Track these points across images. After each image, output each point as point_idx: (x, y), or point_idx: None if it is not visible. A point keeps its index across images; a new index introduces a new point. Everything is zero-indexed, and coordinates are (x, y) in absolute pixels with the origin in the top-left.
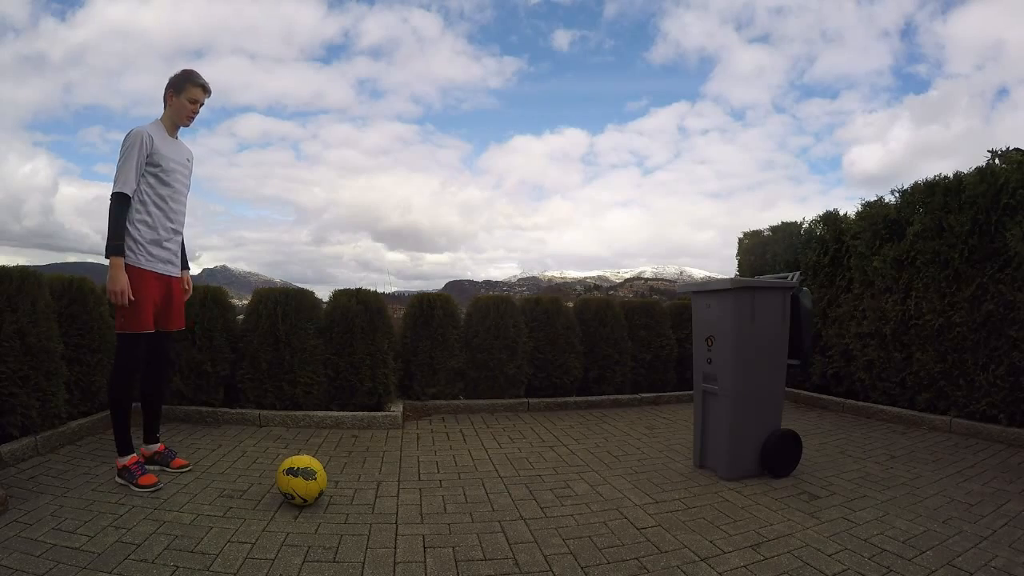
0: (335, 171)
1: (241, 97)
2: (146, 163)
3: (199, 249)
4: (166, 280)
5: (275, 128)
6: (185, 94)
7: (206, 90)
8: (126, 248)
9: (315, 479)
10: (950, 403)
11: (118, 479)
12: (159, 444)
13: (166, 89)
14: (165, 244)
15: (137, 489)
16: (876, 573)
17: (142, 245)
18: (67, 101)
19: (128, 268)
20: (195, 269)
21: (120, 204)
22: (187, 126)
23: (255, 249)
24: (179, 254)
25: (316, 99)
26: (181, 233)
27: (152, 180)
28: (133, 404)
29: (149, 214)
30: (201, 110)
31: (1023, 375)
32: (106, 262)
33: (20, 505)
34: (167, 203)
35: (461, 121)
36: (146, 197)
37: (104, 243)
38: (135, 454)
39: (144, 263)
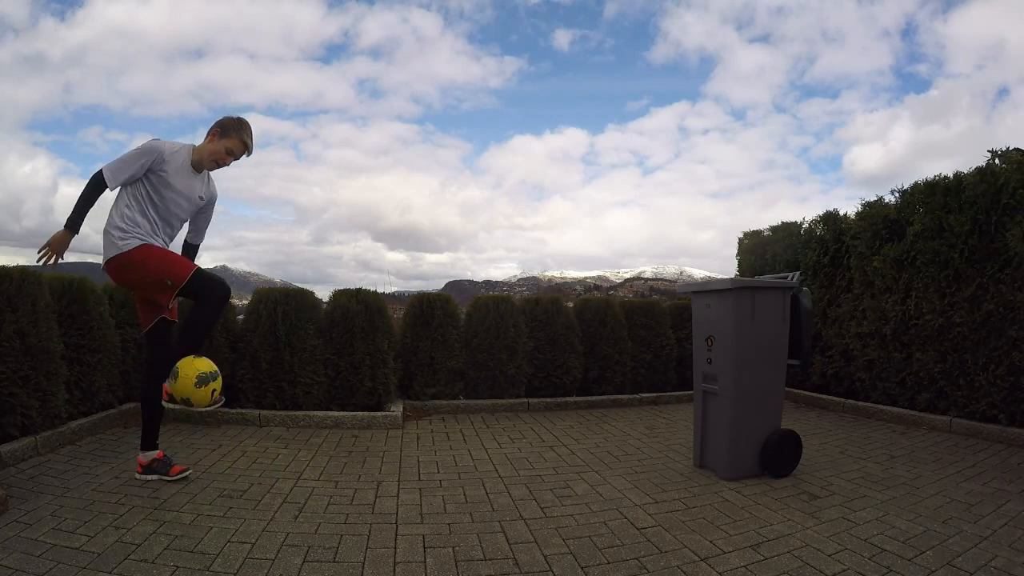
0: (335, 171)
1: (241, 97)
2: (151, 173)
3: (199, 249)
4: None
5: (275, 128)
6: (227, 142)
7: (248, 150)
8: (114, 240)
9: (177, 377)
10: (950, 403)
11: (144, 476)
12: (158, 451)
13: (214, 126)
14: (156, 237)
15: (171, 479)
16: (876, 573)
17: (131, 234)
18: (67, 101)
19: (125, 256)
20: None
21: (96, 187)
22: (210, 170)
23: (255, 249)
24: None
25: (316, 99)
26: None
27: (151, 189)
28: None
29: (141, 223)
30: (202, 110)
31: (1023, 375)
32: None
33: (20, 505)
34: (159, 225)
35: (461, 121)
36: (143, 202)
37: (101, 243)
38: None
39: (139, 241)
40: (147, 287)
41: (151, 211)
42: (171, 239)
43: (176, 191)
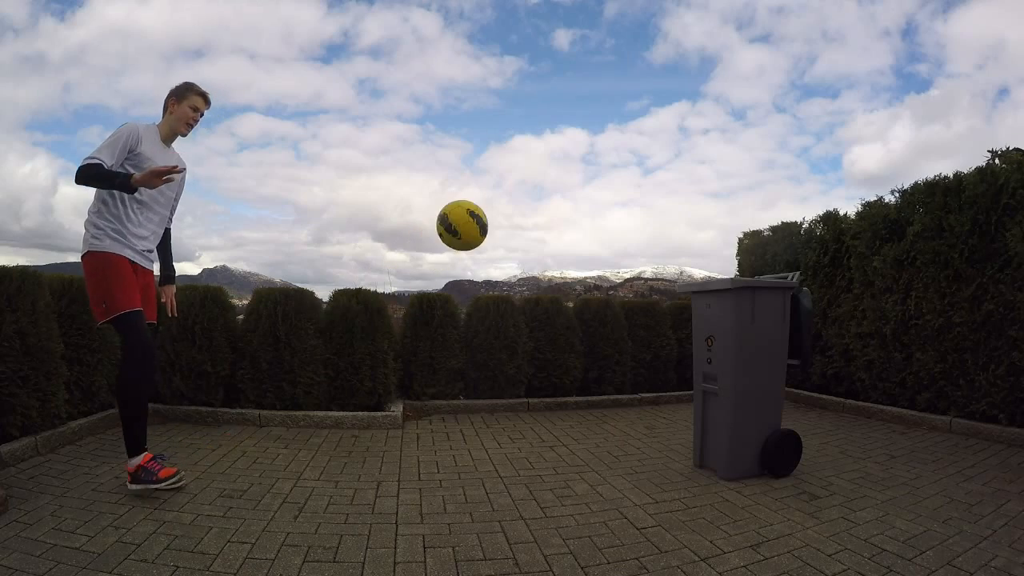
0: (335, 171)
1: (241, 97)
2: (126, 159)
3: (199, 249)
4: (133, 267)
5: (275, 128)
6: (187, 101)
7: (207, 100)
8: (89, 237)
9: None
10: (950, 403)
11: (132, 486)
12: (143, 455)
13: (168, 97)
14: (131, 240)
15: (161, 484)
16: (876, 573)
17: (105, 231)
18: (66, 101)
19: (93, 256)
20: (195, 269)
21: (92, 168)
22: (185, 134)
23: (255, 249)
24: (151, 253)
25: (316, 99)
26: (156, 234)
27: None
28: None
29: (117, 214)
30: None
31: (1023, 375)
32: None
33: (20, 505)
34: (139, 210)
35: (461, 121)
36: (116, 196)
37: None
38: (148, 451)
39: (110, 247)
40: (92, 292)
41: (131, 199)
42: (155, 224)
43: (155, 165)
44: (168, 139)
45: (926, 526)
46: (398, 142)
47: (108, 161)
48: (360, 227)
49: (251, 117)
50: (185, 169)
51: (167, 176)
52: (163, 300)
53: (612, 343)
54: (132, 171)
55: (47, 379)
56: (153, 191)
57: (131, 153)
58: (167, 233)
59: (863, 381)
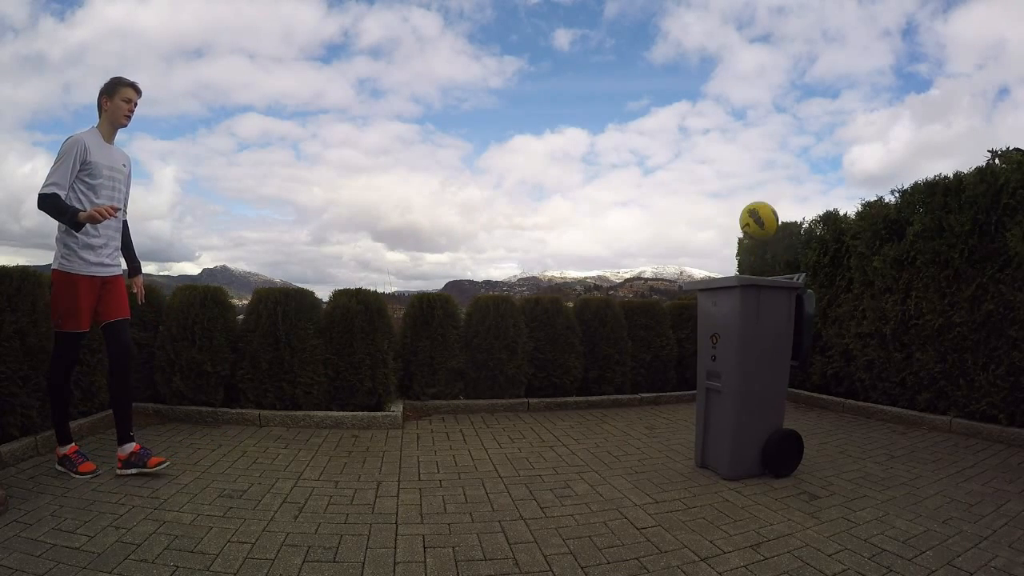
0: (335, 171)
1: (241, 97)
2: (80, 171)
3: (199, 249)
4: (100, 280)
5: (275, 128)
6: (119, 95)
7: (137, 90)
8: (59, 255)
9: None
10: (950, 403)
11: (58, 467)
12: (134, 444)
13: (99, 96)
14: (99, 250)
15: (78, 476)
16: (876, 573)
17: (74, 251)
18: (66, 101)
19: (59, 274)
20: (195, 269)
21: (48, 200)
22: (125, 126)
23: (255, 249)
24: (116, 257)
25: (316, 99)
26: (118, 239)
27: (83, 187)
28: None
29: (84, 228)
30: (202, 110)
31: (1023, 375)
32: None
33: (20, 505)
34: (97, 199)
35: (461, 121)
36: (77, 205)
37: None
38: (74, 444)
39: (78, 268)
40: (52, 303)
41: (90, 204)
42: (115, 222)
43: (105, 168)
44: (110, 136)
45: (926, 526)
46: (398, 142)
47: (64, 183)
48: (360, 227)
49: (251, 117)
50: (129, 163)
51: (109, 212)
52: (134, 291)
53: (612, 343)
54: (86, 181)
55: (47, 379)
56: (107, 190)
57: (83, 164)
58: (125, 226)
59: (863, 381)
